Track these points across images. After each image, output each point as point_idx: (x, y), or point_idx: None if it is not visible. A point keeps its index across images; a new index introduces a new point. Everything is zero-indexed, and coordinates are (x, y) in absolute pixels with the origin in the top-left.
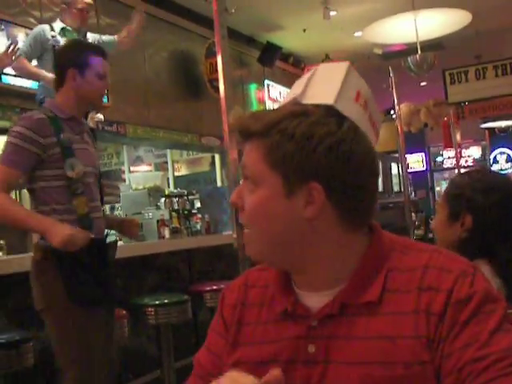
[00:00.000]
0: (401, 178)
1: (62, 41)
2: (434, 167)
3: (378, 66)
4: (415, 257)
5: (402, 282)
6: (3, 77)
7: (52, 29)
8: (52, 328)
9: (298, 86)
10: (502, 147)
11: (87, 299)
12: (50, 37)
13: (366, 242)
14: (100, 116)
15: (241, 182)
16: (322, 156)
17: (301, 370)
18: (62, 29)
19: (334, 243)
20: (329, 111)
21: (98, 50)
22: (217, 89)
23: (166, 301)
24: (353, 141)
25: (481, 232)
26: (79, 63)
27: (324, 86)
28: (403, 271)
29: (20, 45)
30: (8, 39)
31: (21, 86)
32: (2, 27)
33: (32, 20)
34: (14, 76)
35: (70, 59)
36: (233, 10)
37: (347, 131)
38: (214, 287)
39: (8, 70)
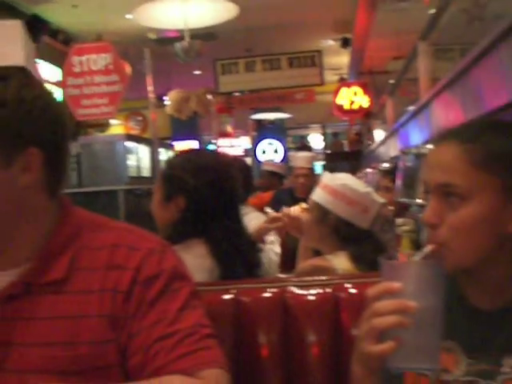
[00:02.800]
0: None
1: None
2: None
3: (155, 52)
4: (105, 235)
5: (90, 260)
6: None
7: None
8: None
9: None
10: (271, 138)
11: None
12: None
13: (56, 218)
14: None
15: None
16: (37, 120)
17: None
18: None
19: (34, 215)
20: (26, 73)
21: None
22: None
23: None
24: (55, 102)
25: (193, 212)
26: None
27: (9, 47)
28: (93, 249)
29: None
30: None
31: None
32: None
33: None
34: None
35: None
36: None
37: (51, 93)
38: None
39: None
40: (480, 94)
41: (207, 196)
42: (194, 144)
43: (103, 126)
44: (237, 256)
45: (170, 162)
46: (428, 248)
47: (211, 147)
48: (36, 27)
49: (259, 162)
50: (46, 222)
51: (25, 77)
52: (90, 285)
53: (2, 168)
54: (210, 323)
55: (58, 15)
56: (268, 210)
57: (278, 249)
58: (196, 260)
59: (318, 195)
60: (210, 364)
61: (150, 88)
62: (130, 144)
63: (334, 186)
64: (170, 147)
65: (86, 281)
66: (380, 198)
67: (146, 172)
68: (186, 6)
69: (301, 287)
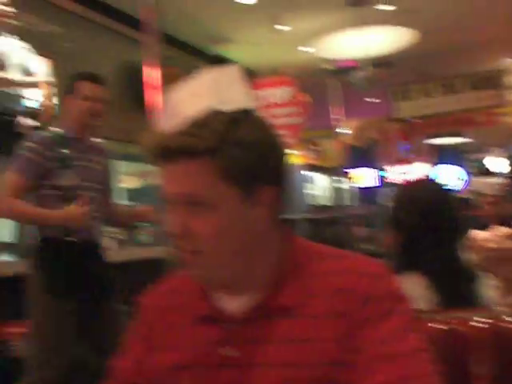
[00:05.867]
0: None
1: None
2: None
3: (322, 82)
4: (332, 262)
5: (321, 286)
6: None
7: None
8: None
9: (205, 95)
10: (450, 164)
11: (57, 291)
12: None
13: (280, 245)
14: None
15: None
16: (268, 159)
17: (220, 373)
18: None
19: (266, 244)
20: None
21: (85, 75)
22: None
23: None
24: (279, 140)
25: (406, 247)
26: (69, 90)
27: (238, 89)
28: (322, 276)
29: None
30: None
31: None
32: None
33: None
34: None
35: (65, 88)
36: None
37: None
38: None
39: None
40: None
41: (419, 230)
42: (368, 171)
43: None
44: (457, 288)
45: (395, 193)
46: None
47: (383, 174)
48: (219, 66)
49: None
50: (274, 250)
51: (253, 118)
52: (320, 309)
53: (240, 203)
54: (429, 348)
55: (238, 54)
56: None
57: None
58: (417, 290)
59: None
60: None
61: (333, 117)
62: (306, 173)
63: None
64: (344, 174)
65: (316, 306)
66: None
67: (322, 200)
68: (368, 35)
69: None
